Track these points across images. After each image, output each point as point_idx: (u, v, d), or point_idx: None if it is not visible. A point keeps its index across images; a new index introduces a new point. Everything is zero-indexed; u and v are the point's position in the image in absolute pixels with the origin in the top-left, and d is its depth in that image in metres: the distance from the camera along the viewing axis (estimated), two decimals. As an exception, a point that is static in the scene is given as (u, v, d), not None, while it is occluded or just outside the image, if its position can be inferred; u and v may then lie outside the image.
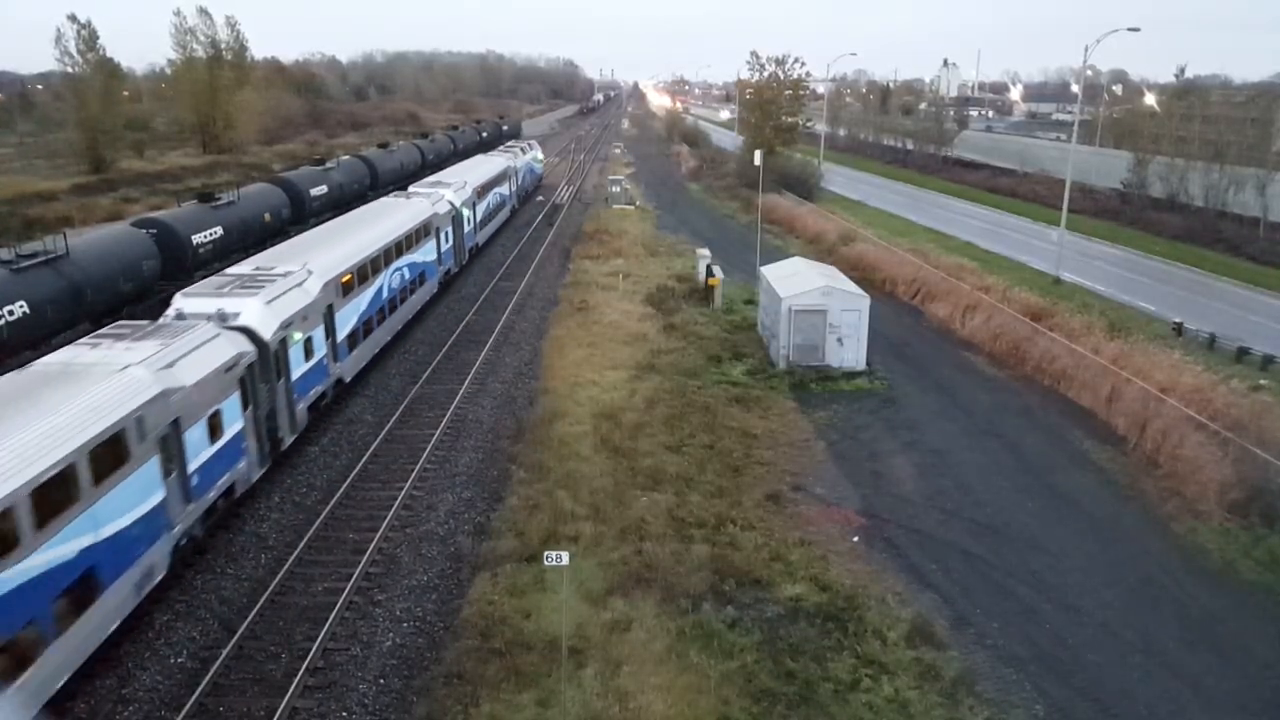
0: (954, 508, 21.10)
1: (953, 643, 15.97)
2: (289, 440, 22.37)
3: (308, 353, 23.13)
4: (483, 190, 48.55)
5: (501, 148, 72.49)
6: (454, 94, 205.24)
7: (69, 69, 79.26)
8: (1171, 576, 18.45)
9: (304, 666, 14.90)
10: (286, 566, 17.92)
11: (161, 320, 20.21)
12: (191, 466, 17.20)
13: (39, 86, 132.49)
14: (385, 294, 29.90)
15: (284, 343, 21.58)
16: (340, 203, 53.85)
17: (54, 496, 13.27)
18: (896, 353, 32.45)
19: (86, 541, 13.91)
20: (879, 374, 29.83)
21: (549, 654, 15.10)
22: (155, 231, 36.15)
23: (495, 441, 24.25)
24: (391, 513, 20.00)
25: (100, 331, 18.57)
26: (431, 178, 47.00)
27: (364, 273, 27.80)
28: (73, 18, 77.53)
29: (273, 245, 32.54)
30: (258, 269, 24.17)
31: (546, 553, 14.46)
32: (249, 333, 20.35)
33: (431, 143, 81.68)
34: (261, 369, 20.45)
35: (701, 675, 14.69)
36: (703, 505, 20.41)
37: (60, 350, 17.39)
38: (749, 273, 41.67)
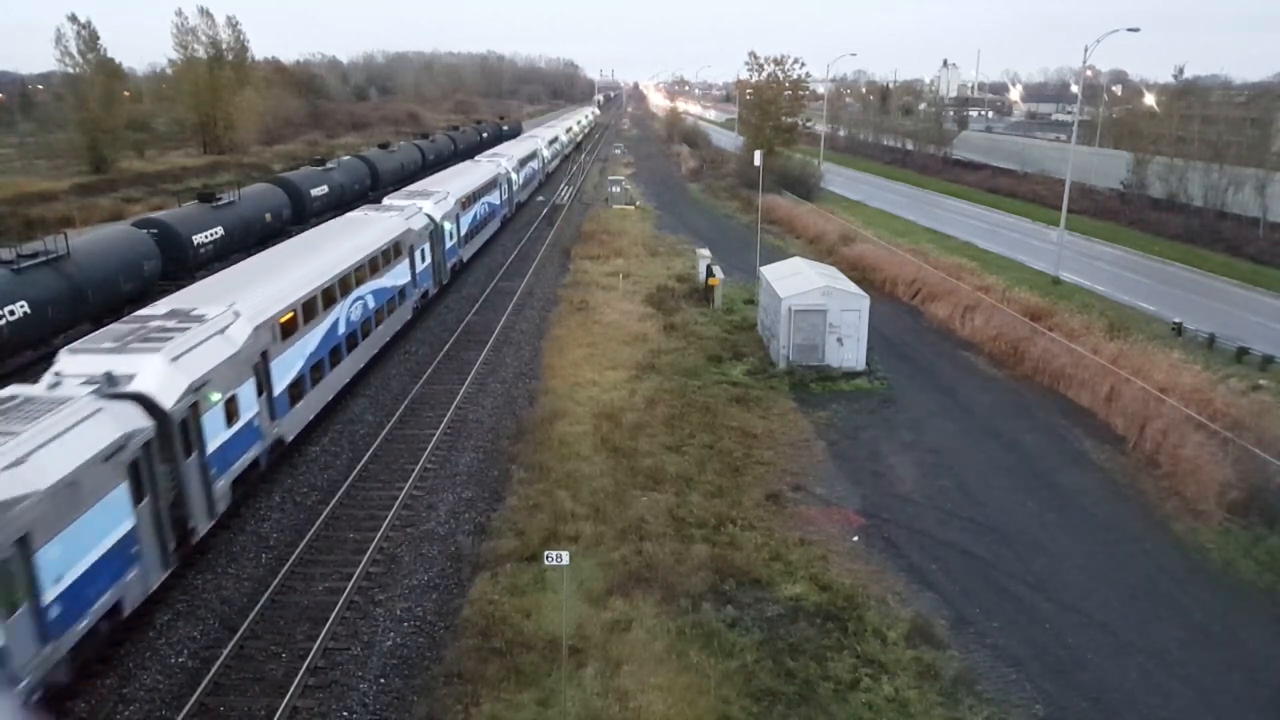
0: (954, 507, 21.12)
1: (952, 642, 15.99)
2: (204, 529, 18.04)
3: (230, 416, 18.93)
4: (468, 201, 44.48)
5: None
6: (454, 94, 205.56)
7: (69, 69, 79.44)
8: (1171, 576, 18.46)
9: (304, 666, 14.93)
10: (287, 566, 17.95)
11: (31, 389, 15.97)
12: (48, 596, 13.29)
13: (39, 86, 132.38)
14: (343, 328, 26.00)
15: (195, 408, 17.45)
16: (341, 203, 54.03)
17: None
18: (896, 353, 32.47)
19: None
20: (879, 374, 29.86)
21: (549, 653, 15.13)
22: (156, 232, 36.37)
23: (495, 441, 24.27)
24: (392, 512, 20.03)
25: None
26: (411, 187, 43.86)
27: (313, 307, 23.86)
28: (73, 18, 77.81)
29: (207, 275, 28.22)
30: (173, 311, 20.02)
31: (547, 552, 14.46)
32: (145, 401, 16.19)
33: (432, 143, 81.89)
34: (162, 447, 16.29)
35: (701, 675, 14.71)
36: (703, 505, 20.43)
37: None
38: (749, 273, 41.70)
